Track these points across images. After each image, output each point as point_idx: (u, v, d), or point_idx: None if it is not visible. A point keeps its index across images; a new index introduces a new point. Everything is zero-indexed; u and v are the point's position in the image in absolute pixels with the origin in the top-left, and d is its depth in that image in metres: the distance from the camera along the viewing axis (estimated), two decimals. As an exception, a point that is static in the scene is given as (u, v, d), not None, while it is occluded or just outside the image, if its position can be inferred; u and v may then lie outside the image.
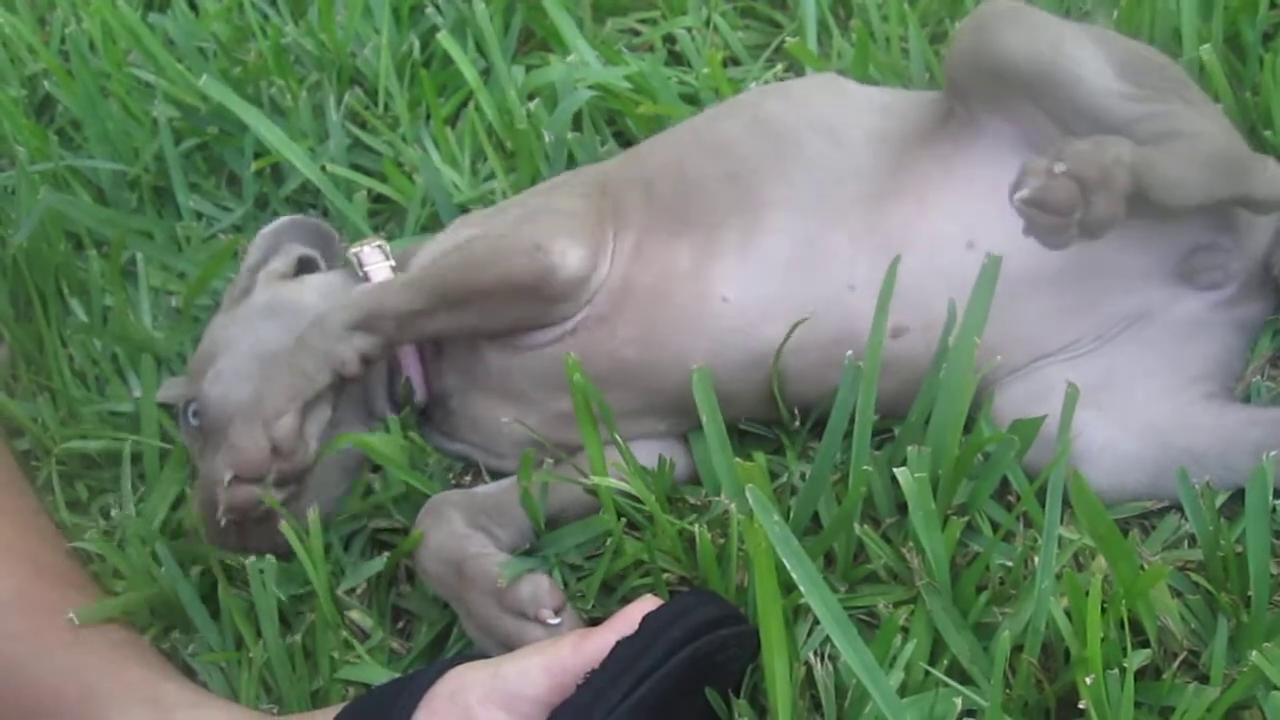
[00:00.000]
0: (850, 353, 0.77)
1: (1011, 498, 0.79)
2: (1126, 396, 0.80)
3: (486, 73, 1.14)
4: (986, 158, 0.83)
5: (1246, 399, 0.81)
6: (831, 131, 0.87)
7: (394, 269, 0.93)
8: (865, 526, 0.76)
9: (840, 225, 0.83)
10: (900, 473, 0.72)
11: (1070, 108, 0.80)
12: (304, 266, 0.98)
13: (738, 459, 0.78)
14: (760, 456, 0.83)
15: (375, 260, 0.93)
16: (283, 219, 1.01)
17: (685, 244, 0.85)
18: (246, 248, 1.00)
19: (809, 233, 0.83)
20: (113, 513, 0.94)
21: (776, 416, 0.85)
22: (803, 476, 0.83)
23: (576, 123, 1.07)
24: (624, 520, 0.81)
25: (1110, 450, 0.78)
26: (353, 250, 0.94)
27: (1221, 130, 0.79)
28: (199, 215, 1.14)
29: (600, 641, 0.71)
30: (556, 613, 0.77)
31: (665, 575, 0.79)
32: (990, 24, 0.82)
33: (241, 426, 0.83)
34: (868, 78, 1.01)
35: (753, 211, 0.84)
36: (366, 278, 0.92)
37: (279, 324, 0.91)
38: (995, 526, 0.77)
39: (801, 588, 0.67)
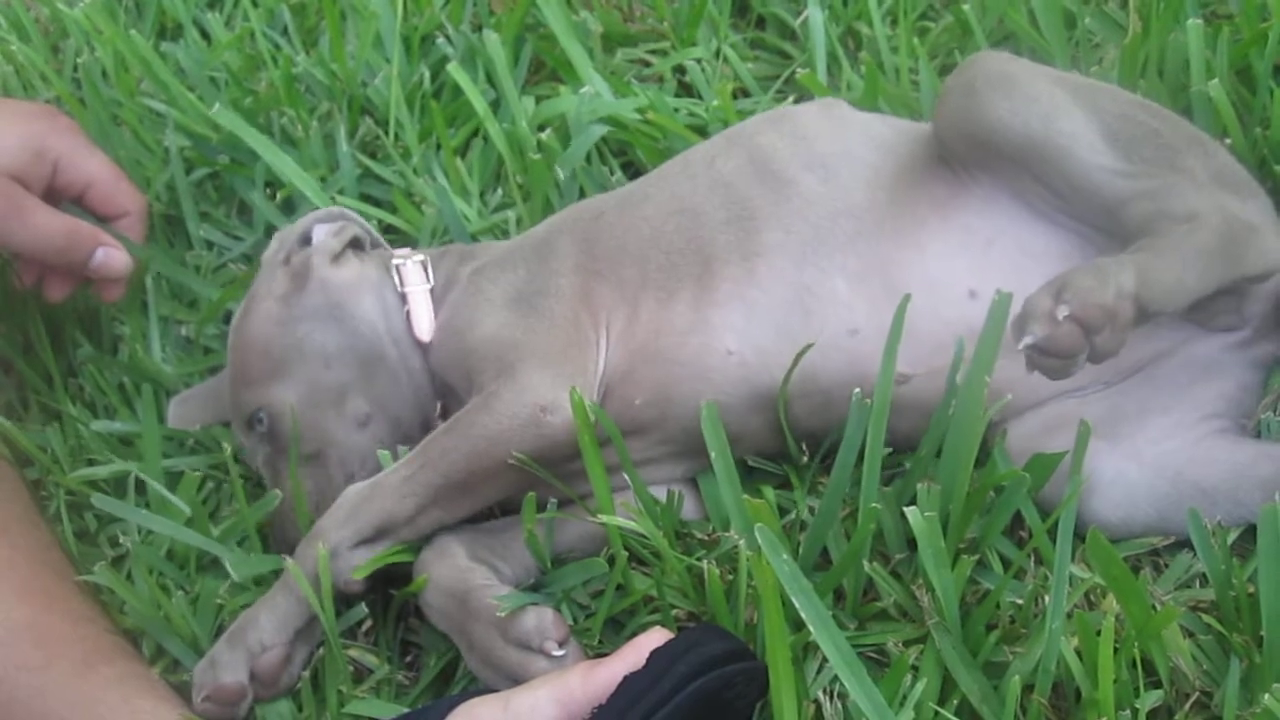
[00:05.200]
0: (858, 390, 0.77)
1: (1023, 533, 0.79)
2: (1138, 430, 0.79)
3: (496, 103, 1.15)
4: (983, 208, 0.83)
5: (1257, 434, 0.81)
6: (826, 168, 0.86)
7: (431, 291, 0.92)
8: (874, 564, 0.76)
9: (838, 268, 0.83)
10: (910, 512, 0.72)
11: (1061, 181, 0.79)
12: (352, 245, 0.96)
13: (746, 496, 0.78)
14: (769, 492, 0.83)
15: (416, 280, 0.92)
16: (326, 209, 0.99)
17: (684, 301, 0.84)
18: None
19: (806, 277, 0.83)
20: (121, 539, 0.93)
21: (784, 449, 0.85)
22: (811, 511, 0.83)
23: (587, 154, 1.08)
24: (630, 556, 0.81)
25: (1120, 483, 0.78)
26: (395, 261, 0.94)
27: (1215, 206, 0.76)
28: (209, 244, 1.15)
29: (609, 672, 0.71)
30: (561, 645, 0.76)
31: (674, 611, 0.79)
32: (981, 91, 0.81)
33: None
34: (877, 109, 1.01)
35: (749, 259, 0.84)
36: (404, 297, 0.92)
37: (341, 333, 0.90)
38: (1006, 563, 0.77)
39: (810, 627, 0.67)
